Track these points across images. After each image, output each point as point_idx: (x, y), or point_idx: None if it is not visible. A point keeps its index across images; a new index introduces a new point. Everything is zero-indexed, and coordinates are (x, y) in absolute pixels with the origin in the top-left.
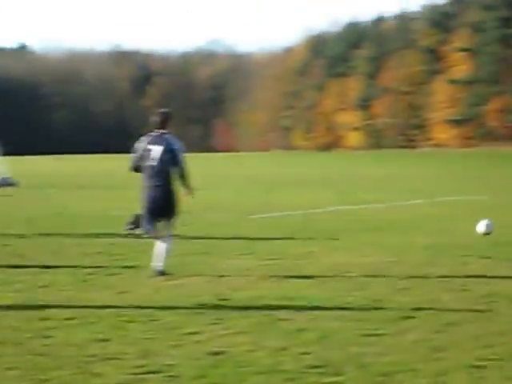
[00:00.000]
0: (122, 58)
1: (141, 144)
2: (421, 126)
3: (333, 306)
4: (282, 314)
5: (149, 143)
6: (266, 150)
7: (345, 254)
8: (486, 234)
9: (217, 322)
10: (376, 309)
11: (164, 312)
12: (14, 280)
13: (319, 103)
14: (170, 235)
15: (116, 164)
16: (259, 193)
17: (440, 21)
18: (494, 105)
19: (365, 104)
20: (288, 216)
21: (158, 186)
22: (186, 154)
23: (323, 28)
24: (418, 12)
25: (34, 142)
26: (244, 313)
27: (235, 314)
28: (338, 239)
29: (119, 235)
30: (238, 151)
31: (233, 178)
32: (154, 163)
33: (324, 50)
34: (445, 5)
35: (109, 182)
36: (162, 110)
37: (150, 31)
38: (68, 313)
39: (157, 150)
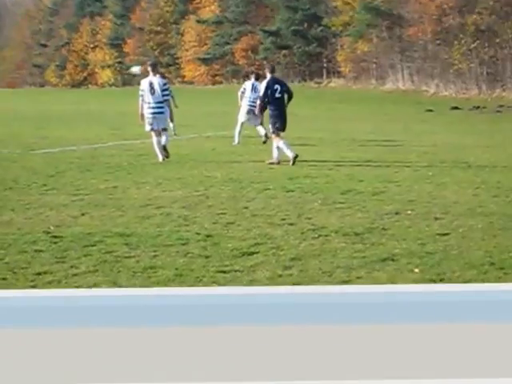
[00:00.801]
0: None
1: None
2: (171, 64)
3: (172, 242)
4: (125, 250)
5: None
6: (19, 86)
7: (150, 188)
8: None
9: (61, 261)
10: (213, 245)
11: (5, 251)
12: None
13: (71, 42)
14: None
15: None
16: (30, 128)
17: None
18: (241, 44)
19: (116, 43)
20: (71, 151)
21: None
22: None
23: None
24: None
25: None
26: (85, 250)
27: (75, 253)
28: (132, 173)
29: None
30: None
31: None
32: None
33: None
34: None
35: None
36: None
37: None
38: None
39: None
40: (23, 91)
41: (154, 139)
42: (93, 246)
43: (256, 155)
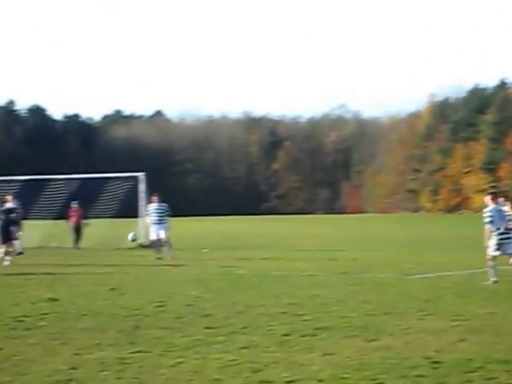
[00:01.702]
0: (252, 124)
1: None
2: None
3: None
4: (506, 377)
5: None
6: (392, 211)
7: None
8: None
9: None
10: None
11: (386, 376)
12: (212, 341)
13: (445, 166)
14: None
15: (253, 225)
16: (405, 253)
17: None
18: None
19: (490, 167)
20: (447, 276)
21: None
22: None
23: (447, 94)
24: None
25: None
26: (465, 376)
27: (456, 379)
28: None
29: (297, 296)
30: (364, 213)
31: (375, 238)
32: None
33: (448, 115)
34: None
35: (257, 241)
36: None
37: (278, 98)
38: (288, 376)
39: None
40: (397, 216)
41: (492, 263)
42: (473, 372)
43: None
